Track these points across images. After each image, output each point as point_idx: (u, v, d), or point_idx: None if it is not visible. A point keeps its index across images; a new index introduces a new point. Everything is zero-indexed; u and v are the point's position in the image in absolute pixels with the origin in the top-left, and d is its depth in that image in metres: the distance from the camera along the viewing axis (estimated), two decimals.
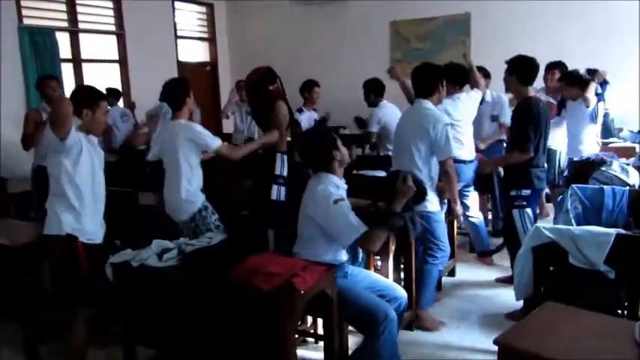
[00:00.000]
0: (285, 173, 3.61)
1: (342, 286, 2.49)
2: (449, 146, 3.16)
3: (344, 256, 2.67)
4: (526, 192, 3.36)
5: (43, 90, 4.41)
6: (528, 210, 3.36)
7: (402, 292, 2.72)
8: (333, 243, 2.57)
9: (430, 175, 3.22)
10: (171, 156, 3.23)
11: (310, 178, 2.70)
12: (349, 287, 2.53)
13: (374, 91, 5.06)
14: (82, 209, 2.67)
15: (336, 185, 2.61)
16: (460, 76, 4.06)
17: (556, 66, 4.96)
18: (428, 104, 3.24)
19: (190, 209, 3.21)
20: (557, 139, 4.86)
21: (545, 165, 3.49)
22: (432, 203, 3.22)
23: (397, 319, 2.63)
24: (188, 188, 3.21)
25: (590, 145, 4.64)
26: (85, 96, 2.70)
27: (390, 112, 4.98)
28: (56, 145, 2.56)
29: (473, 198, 4.22)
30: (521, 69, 3.34)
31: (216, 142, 3.21)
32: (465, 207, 4.18)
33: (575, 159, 4.51)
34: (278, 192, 3.60)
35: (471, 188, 4.16)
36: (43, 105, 4.45)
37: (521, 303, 3.07)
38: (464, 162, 4.00)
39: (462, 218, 4.34)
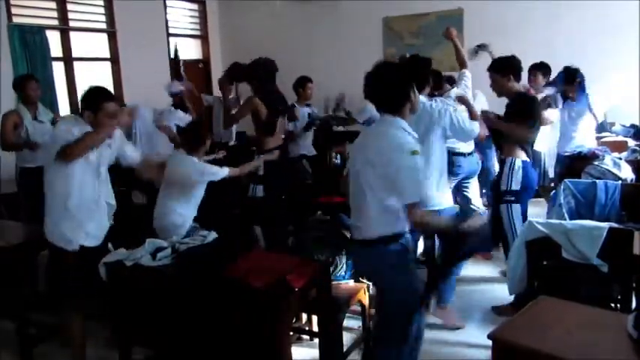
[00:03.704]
0: (260, 172, 3.84)
1: (397, 262, 2.23)
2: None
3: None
4: (515, 187, 3.29)
5: (23, 91, 4.29)
6: (516, 206, 3.30)
7: None
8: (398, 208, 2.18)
9: (440, 168, 3.14)
10: (176, 186, 3.34)
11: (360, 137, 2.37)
12: (403, 264, 2.25)
13: None
14: (58, 216, 2.68)
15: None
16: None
17: (538, 68, 4.86)
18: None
19: (178, 231, 3.21)
20: (541, 141, 4.83)
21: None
22: (444, 199, 3.14)
23: None
24: (184, 215, 3.32)
25: (582, 139, 4.64)
26: (90, 97, 2.71)
27: None
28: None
29: (473, 189, 4.19)
30: (515, 68, 3.48)
31: (223, 173, 3.39)
32: (467, 199, 4.15)
33: (566, 153, 4.53)
34: (253, 190, 3.87)
35: (471, 180, 4.14)
36: (20, 106, 4.34)
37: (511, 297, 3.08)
38: (463, 154, 3.96)
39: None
